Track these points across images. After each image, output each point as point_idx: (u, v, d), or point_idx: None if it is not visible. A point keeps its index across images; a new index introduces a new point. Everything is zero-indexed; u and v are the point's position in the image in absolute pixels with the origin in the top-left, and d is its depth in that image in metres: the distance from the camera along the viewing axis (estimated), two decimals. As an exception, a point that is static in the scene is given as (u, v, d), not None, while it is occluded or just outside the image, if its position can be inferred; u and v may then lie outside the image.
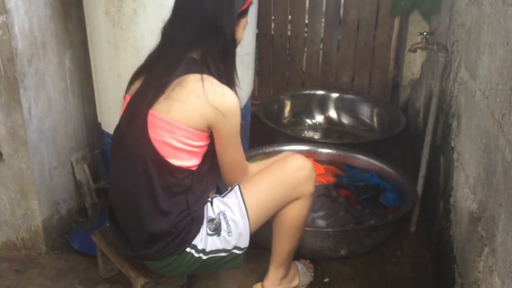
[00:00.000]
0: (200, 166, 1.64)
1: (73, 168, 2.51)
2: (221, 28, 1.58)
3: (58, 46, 2.32)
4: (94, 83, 2.42)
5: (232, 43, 1.63)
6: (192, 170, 1.62)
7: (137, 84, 1.65)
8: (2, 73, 2.03)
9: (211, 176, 1.71)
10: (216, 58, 1.59)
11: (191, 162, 1.61)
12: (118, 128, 1.70)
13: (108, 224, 1.89)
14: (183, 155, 1.59)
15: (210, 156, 1.67)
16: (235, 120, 1.60)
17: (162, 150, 1.57)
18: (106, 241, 1.98)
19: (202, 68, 1.58)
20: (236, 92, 1.63)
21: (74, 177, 2.52)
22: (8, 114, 2.08)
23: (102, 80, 2.32)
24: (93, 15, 2.21)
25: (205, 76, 1.56)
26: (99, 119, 2.48)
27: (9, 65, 2.02)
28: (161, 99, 1.56)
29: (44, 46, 2.22)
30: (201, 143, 1.61)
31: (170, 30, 1.61)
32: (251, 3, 1.68)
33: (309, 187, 1.79)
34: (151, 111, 1.56)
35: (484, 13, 1.77)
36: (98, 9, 2.15)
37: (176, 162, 1.58)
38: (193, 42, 1.58)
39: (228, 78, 1.62)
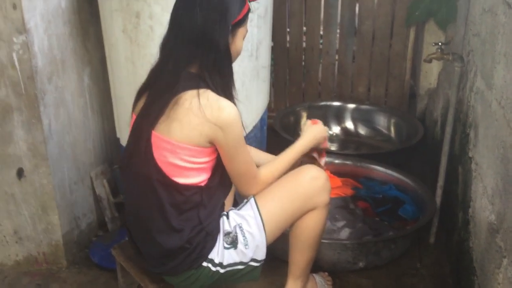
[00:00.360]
0: (209, 180, 1.64)
1: (92, 183, 2.54)
2: (213, 40, 1.54)
3: (77, 63, 2.37)
4: (112, 98, 2.46)
5: (226, 55, 1.59)
6: (201, 186, 1.62)
7: (141, 102, 1.65)
8: (23, 91, 2.08)
9: (222, 189, 1.71)
10: (212, 70, 1.57)
11: (199, 178, 1.61)
12: (126, 148, 1.71)
13: (127, 238, 1.91)
14: (190, 173, 1.59)
15: (219, 169, 1.66)
16: (235, 131, 1.57)
17: (168, 170, 1.57)
18: (126, 255, 1.99)
19: (199, 82, 1.56)
20: (234, 104, 1.61)
21: (94, 191, 2.56)
22: (29, 131, 2.13)
23: (120, 96, 2.36)
24: (110, 33, 2.25)
25: (202, 91, 1.53)
26: (118, 134, 2.51)
27: (30, 83, 2.07)
28: (162, 118, 1.55)
29: (63, 64, 2.26)
30: (206, 158, 1.60)
31: (166, 45, 1.59)
32: (248, 11, 1.64)
33: (324, 197, 1.78)
34: (154, 132, 1.56)
35: (498, 23, 1.76)
36: (115, 26, 2.19)
37: (183, 180, 1.58)
38: (189, 56, 1.56)
39: (225, 90, 1.59)
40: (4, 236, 2.31)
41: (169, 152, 1.56)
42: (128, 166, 1.67)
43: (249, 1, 1.66)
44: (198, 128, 1.53)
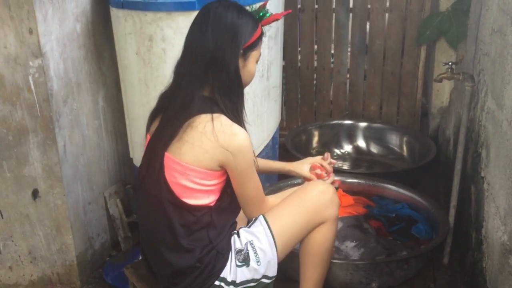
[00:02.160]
0: (218, 201, 1.65)
1: (106, 203, 2.57)
2: (223, 63, 1.56)
3: (92, 85, 2.41)
4: (126, 119, 2.50)
5: (236, 78, 1.60)
6: (211, 207, 1.63)
7: (155, 124, 1.68)
8: (38, 113, 2.12)
9: (232, 209, 1.72)
10: (222, 94, 1.58)
11: (208, 199, 1.63)
12: (140, 168, 1.74)
13: (140, 258, 1.92)
14: (199, 194, 1.61)
15: (228, 190, 1.68)
16: (246, 157, 1.59)
17: (178, 191, 1.59)
18: (138, 275, 2.01)
19: (213, 107, 1.58)
20: (245, 128, 1.63)
21: (107, 211, 2.59)
22: (44, 152, 2.17)
23: (134, 117, 2.39)
24: (124, 55, 2.29)
25: (215, 116, 1.55)
26: (131, 155, 2.54)
27: (45, 105, 2.11)
28: (175, 140, 1.57)
29: (78, 86, 2.31)
30: (216, 181, 1.62)
31: (180, 69, 1.62)
32: (261, 35, 1.66)
33: (332, 211, 1.80)
34: (166, 154, 1.58)
35: (507, 43, 1.77)
36: (129, 49, 2.24)
37: (192, 201, 1.60)
38: (201, 80, 1.58)
39: (235, 114, 1.61)
40: (19, 256, 2.34)
41: (179, 173, 1.58)
42: (141, 186, 1.70)
43: (262, 25, 1.68)
44: (210, 152, 1.55)
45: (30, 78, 2.07)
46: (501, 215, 1.72)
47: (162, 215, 1.62)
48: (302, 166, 2.07)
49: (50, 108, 2.11)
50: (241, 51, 1.60)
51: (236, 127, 1.58)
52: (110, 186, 2.61)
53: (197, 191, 1.60)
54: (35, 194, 2.23)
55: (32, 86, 2.08)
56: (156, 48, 2.17)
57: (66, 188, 2.23)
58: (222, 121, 1.56)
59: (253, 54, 1.65)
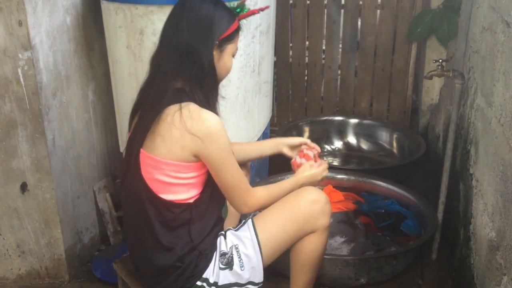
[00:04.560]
0: (199, 196, 1.62)
1: (95, 197, 2.56)
2: (196, 55, 1.54)
3: (82, 79, 2.40)
4: (116, 114, 2.49)
5: (210, 70, 1.58)
6: (190, 203, 1.61)
7: (135, 121, 1.66)
8: (27, 106, 2.10)
9: (213, 204, 1.68)
10: (194, 84, 1.56)
11: (188, 194, 1.60)
12: (122, 167, 1.72)
13: (129, 253, 1.92)
14: (177, 188, 1.58)
15: (210, 184, 1.64)
16: (219, 142, 1.54)
17: (155, 187, 1.57)
18: (127, 270, 2.00)
19: (183, 96, 1.55)
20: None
21: (97, 206, 2.57)
22: (33, 145, 2.15)
23: (124, 111, 2.38)
24: (115, 49, 2.28)
25: (184, 104, 1.52)
26: (121, 149, 2.53)
27: (34, 98, 2.09)
28: (148, 135, 1.55)
29: (68, 79, 2.29)
30: (194, 173, 1.59)
31: (155, 61, 1.60)
32: (238, 28, 1.65)
33: (323, 221, 1.75)
34: (141, 150, 1.57)
35: (497, 41, 1.78)
36: (120, 43, 2.22)
37: (171, 196, 1.58)
38: (175, 71, 1.56)
39: (206, 106, 1.57)
40: (7, 250, 2.33)
41: (154, 168, 1.56)
42: (123, 185, 1.69)
43: (239, 19, 1.66)
44: (179, 141, 1.51)
45: (19, 70, 2.05)
46: (489, 211, 1.73)
47: (142, 213, 1.60)
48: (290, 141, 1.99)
49: (39, 101, 2.10)
50: (217, 42, 1.58)
51: (204, 111, 1.53)
52: (99, 180, 2.59)
53: (174, 185, 1.57)
54: (23, 187, 2.22)
55: (21, 79, 2.06)
56: (147, 41, 2.16)
57: (55, 182, 2.22)
58: (190, 108, 1.52)
59: (229, 47, 1.63)
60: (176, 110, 1.52)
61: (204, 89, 1.58)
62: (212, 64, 1.58)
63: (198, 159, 1.56)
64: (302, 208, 1.72)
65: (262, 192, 1.71)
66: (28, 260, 2.34)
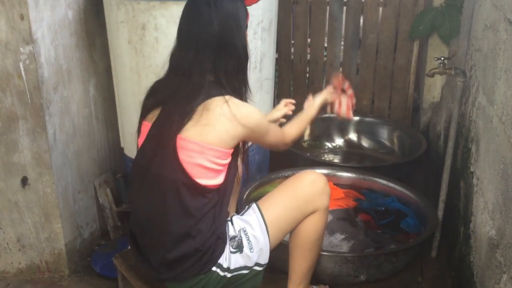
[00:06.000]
0: (224, 180, 1.68)
1: (96, 192, 2.56)
2: (232, 45, 1.63)
3: (83, 73, 2.40)
4: (117, 108, 2.49)
5: (245, 58, 1.69)
6: (219, 188, 1.66)
7: (156, 112, 1.67)
8: (29, 100, 2.10)
9: (229, 189, 1.75)
10: (230, 76, 1.65)
11: (218, 179, 1.65)
12: (143, 154, 1.70)
13: (129, 248, 1.92)
14: (211, 174, 1.63)
15: (231, 169, 1.71)
16: (262, 125, 1.71)
17: (193, 172, 1.60)
18: (127, 265, 2.00)
19: (221, 89, 1.63)
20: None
21: (97, 200, 2.58)
22: (33, 139, 2.15)
23: (125, 106, 2.38)
24: (116, 44, 2.28)
25: (227, 97, 1.61)
26: (122, 144, 2.53)
27: (35, 92, 2.09)
28: (189, 125, 1.58)
29: (69, 74, 2.29)
30: (228, 160, 1.66)
31: (184, 57, 1.63)
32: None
33: (324, 200, 1.83)
34: (179, 136, 1.59)
35: (500, 39, 1.78)
36: (121, 38, 2.22)
37: (203, 181, 1.62)
38: (210, 65, 1.63)
39: (241, 94, 1.69)
40: (7, 244, 2.33)
41: (197, 152, 1.59)
42: (147, 173, 1.67)
43: (247, 6, 1.74)
44: (231, 131, 1.61)
45: (20, 64, 2.05)
46: (489, 210, 1.73)
47: (175, 199, 1.61)
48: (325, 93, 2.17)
49: (40, 95, 2.10)
50: (244, 32, 1.69)
51: (248, 106, 1.67)
52: (100, 175, 2.60)
53: (210, 170, 1.62)
54: (24, 181, 2.22)
55: (23, 73, 2.06)
56: (149, 37, 2.16)
57: (56, 176, 2.22)
58: (235, 102, 1.62)
59: (246, 33, 1.74)
60: (224, 102, 1.60)
61: (240, 78, 1.70)
62: (247, 52, 1.70)
63: (236, 144, 1.68)
64: (303, 189, 1.81)
65: (290, 129, 1.95)
66: (28, 254, 2.35)
